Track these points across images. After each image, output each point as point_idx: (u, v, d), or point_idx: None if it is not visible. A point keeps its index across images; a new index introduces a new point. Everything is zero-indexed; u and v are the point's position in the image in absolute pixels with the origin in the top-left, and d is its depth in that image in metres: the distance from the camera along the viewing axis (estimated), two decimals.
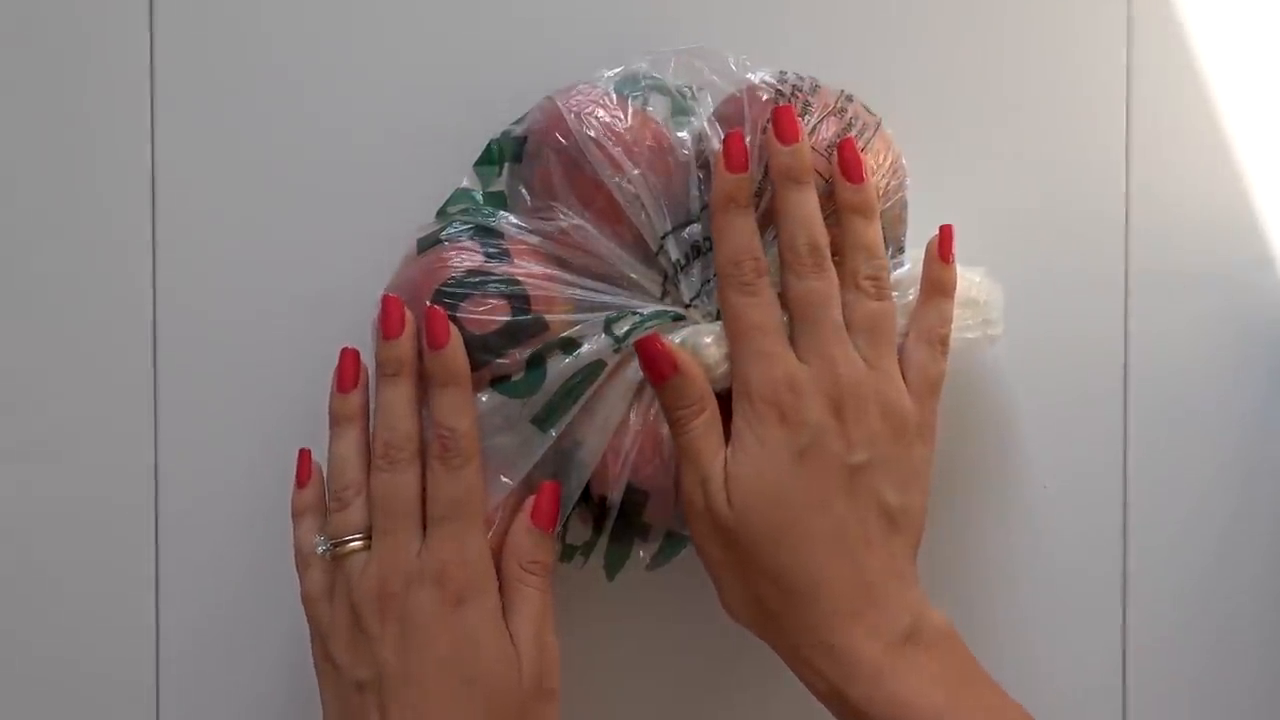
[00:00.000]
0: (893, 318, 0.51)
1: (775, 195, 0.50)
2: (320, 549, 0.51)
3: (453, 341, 0.49)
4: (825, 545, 0.49)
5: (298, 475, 0.53)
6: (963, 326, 0.54)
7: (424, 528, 0.49)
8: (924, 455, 0.51)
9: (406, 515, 0.49)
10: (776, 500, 0.49)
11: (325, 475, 0.52)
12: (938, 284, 0.53)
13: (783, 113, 0.50)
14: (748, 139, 0.51)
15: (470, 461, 0.49)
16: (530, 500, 0.51)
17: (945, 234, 0.53)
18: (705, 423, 0.50)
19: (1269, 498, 0.62)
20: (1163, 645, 0.61)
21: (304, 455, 0.53)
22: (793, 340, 0.50)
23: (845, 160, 0.51)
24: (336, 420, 0.51)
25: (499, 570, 0.50)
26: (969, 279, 0.54)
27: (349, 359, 0.52)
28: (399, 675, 0.48)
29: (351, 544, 0.50)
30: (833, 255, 0.51)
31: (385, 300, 0.50)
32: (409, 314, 0.50)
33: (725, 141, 0.50)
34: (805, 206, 0.50)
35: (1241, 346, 0.62)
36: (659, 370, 0.50)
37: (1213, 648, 0.62)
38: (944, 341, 0.52)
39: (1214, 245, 0.62)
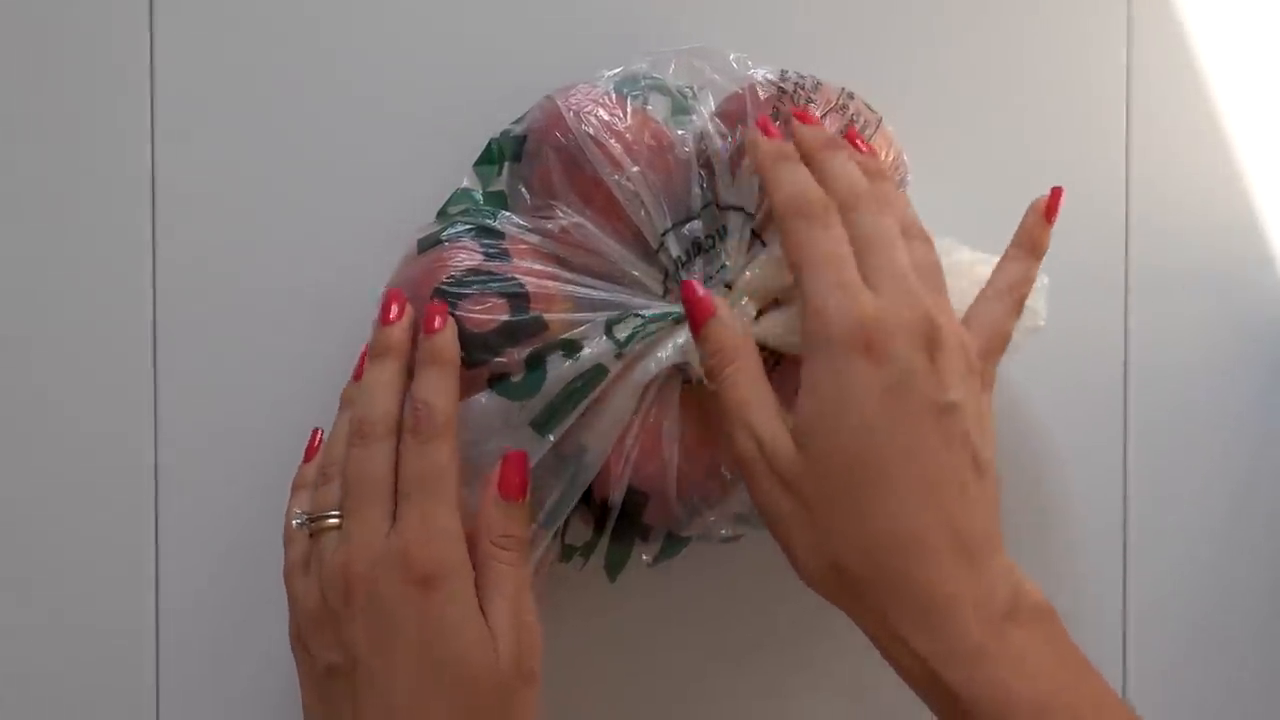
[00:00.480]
0: (940, 268, 0.48)
1: (813, 164, 0.49)
2: (297, 523, 0.50)
3: (447, 330, 0.49)
4: (921, 496, 0.43)
5: (306, 451, 0.53)
6: None
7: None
8: (990, 408, 0.47)
9: (375, 494, 0.47)
10: (862, 443, 0.44)
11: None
12: (1034, 242, 0.50)
13: (800, 116, 0.50)
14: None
15: (441, 437, 0.47)
16: (495, 471, 0.48)
17: (1055, 195, 0.51)
18: (745, 367, 0.47)
19: (1269, 497, 0.62)
20: (1163, 645, 0.61)
21: (315, 434, 0.53)
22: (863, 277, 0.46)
23: (851, 141, 0.51)
24: (341, 406, 0.52)
25: (472, 550, 0.47)
26: (992, 265, 0.53)
27: (367, 353, 0.51)
28: (368, 661, 0.46)
29: (329, 521, 0.48)
30: None
31: (388, 292, 0.50)
32: (409, 308, 0.50)
33: (756, 124, 0.50)
34: (848, 164, 0.48)
35: (1241, 345, 0.62)
36: (696, 317, 0.48)
37: (1213, 647, 0.62)
38: (1021, 302, 0.49)
39: (1214, 244, 0.62)
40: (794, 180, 0.48)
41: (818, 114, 0.52)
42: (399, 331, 0.50)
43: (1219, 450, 0.62)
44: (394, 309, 0.50)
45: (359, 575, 0.46)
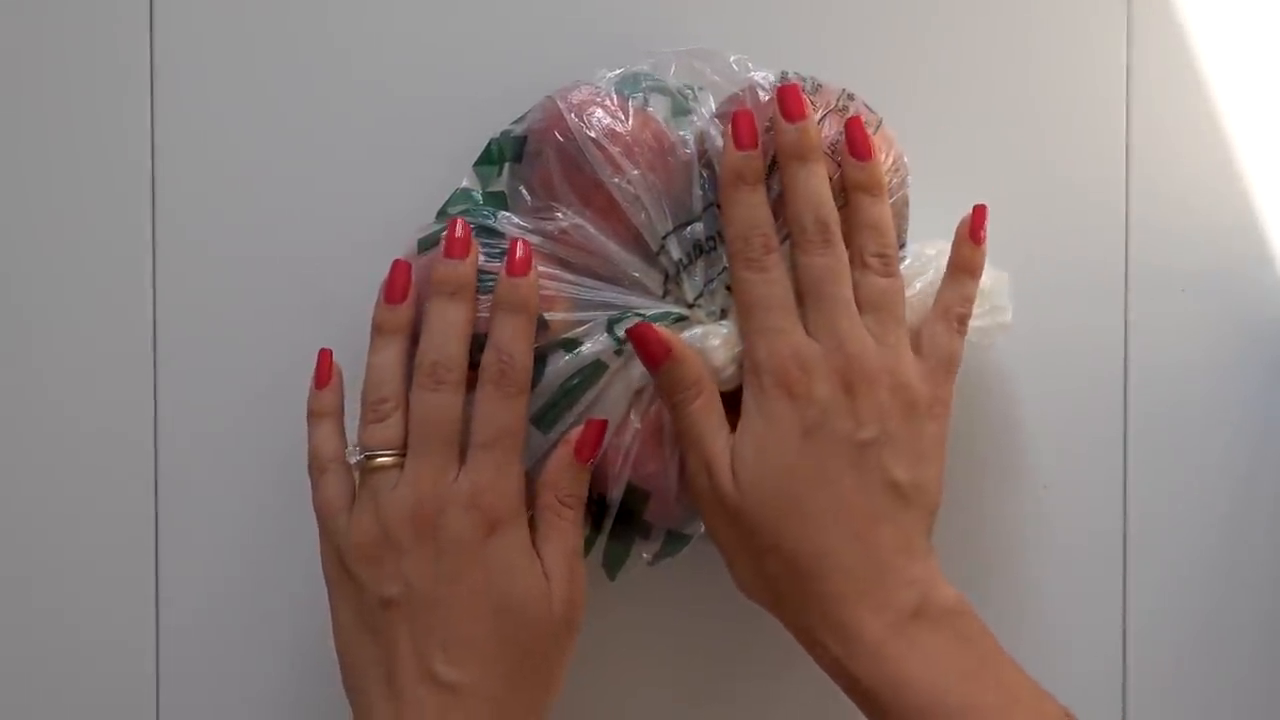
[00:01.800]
0: (901, 295, 0.51)
1: (782, 173, 0.50)
2: (354, 459, 0.50)
3: (532, 274, 0.49)
4: (832, 522, 0.48)
5: (317, 375, 0.52)
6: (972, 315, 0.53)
7: (462, 453, 0.49)
8: (935, 432, 0.51)
9: (446, 440, 0.49)
10: (783, 478, 0.48)
11: (362, 384, 0.51)
12: (965, 263, 0.53)
13: (788, 91, 0.50)
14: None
15: (523, 393, 0.49)
16: (576, 432, 0.50)
17: (978, 214, 0.53)
18: (704, 405, 0.50)
19: (1269, 497, 0.62)
20: (1163, 644, 0.61)
21: (325, 355, 0.53)
22: (803, 318, 0.50)
23: (853, 138, 0.51)
24: (380, 330, 0.51)
25: (533, 500, 0.50)
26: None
27: (400, 270, 0.51)
28: (429, 596, 0.48)
29: (382, 458, 0.49)
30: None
31: (453, 223, 0.50)
32: (475, 243, 0.50)
33: (733, 119, 0.50)
34: (812, 182, 0.50)
35: (1241, 344, 0.62)
36: (653, 355, 0.49)
37: (1213, 647, 0.62)
38: (963, 321, 0.52)
39: (1214, 243, 0.62)
40: (744, 212, 0.50)
41: (818, 115, 0.52)
42: (469, 269, 0.50)
43: (1219, 450, 0.62)
44: (463, 243, 0.50)
45: (428, 514, 0.48)
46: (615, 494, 0.52)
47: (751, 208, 0.50)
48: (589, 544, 0.54)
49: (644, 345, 0.49)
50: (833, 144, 0.51)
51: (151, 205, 0.57)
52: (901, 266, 0.53)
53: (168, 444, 0.58)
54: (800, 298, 0.50)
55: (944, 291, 0.52)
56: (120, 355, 0.57)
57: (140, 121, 0.57)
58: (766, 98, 0.52)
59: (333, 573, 0.50)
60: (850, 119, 0.51)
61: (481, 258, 0.51)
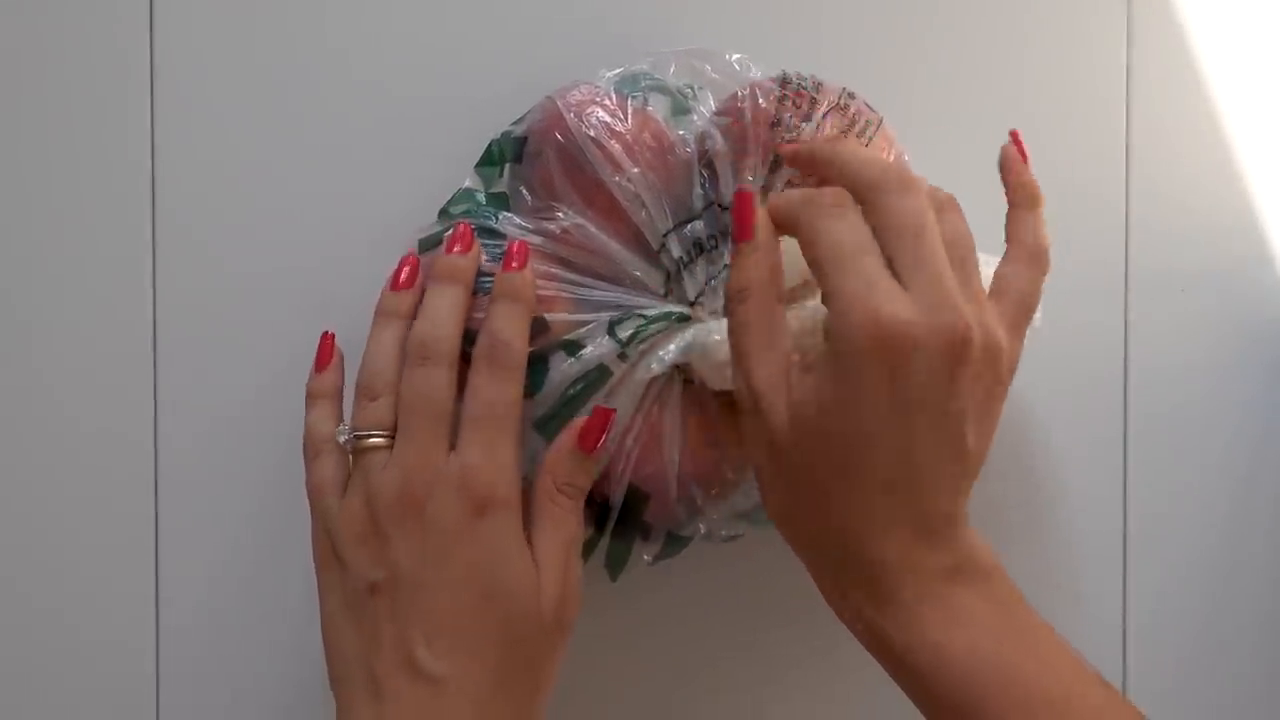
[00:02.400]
0: (970, 235, 0.46)
1: (824, 167, 0.48)
2: (342, 437, 0.49)
3: (527, 271, 0.48)
4: (888, 488, 0.44)
5: (318, 358, 0.52)
6: None
7: (450, 437, 0.47)
8: (1003, 395, 0.46)
9: (435, 418, 0.47)
10: (851, 446, 0.44)
11: (359, 365, 0.50)
12: (1028, 192, 0.49)
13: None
14: (750, 133, 0.51)
15: (516, 375, 0.47)
16: (580, 421, 0.48)
17: (1014, 138, 0.49)
18: (755, 307, 0.45)
19: (1269, 497, 0.62)
20: (1163, 645, 0.61)
21: (326, 337, 0.52)
22: (891, 267, 0.44)
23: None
24: (380, 313, 0.50)
25: (532, 486, 0.48)
26: (991, 265, 0.54)
27: (410, 260, 0.50)
28: (413, 581, 0.46)
29: (373, 439, 0.48)
30: None
31: (458, 226, 0.50)
32: (479, 244, 0.50)
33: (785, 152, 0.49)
34: (856, 149, 0.48)
35: (1241, 345, 0.62)
36: (736, 230, 0.46)
37: (1213, 647, 0.62)
38: (1044, 258, 0.48)
39: (1214, 244, 0.62)
40: (803, 196, 0.46)
41: (819, 114, 0.51)
42: (467, 261, 0.49)
43: (1219, 450, 0.62)
44: (466, 238, 0.49)
45: (415, 495, 0.46)
46: (617, 496, 0.52)
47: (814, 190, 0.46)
48: (591, 546, 0.54)
49: (736, 216, 0.46)
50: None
51: (151, 205, 0.57)
52: None
53: (168, 444, 0.58)
54: (886, 244, 0.44)
55: (1017, 228, 0.48)
56: (120, 355, 0.57)
57: (140, 121, 0.57)
58: (764, 103, 0.52)
59: (321, 557, 0.49)
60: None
61: (484, 257, 0.51)
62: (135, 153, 0.57)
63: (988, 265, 0.53)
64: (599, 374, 0.50)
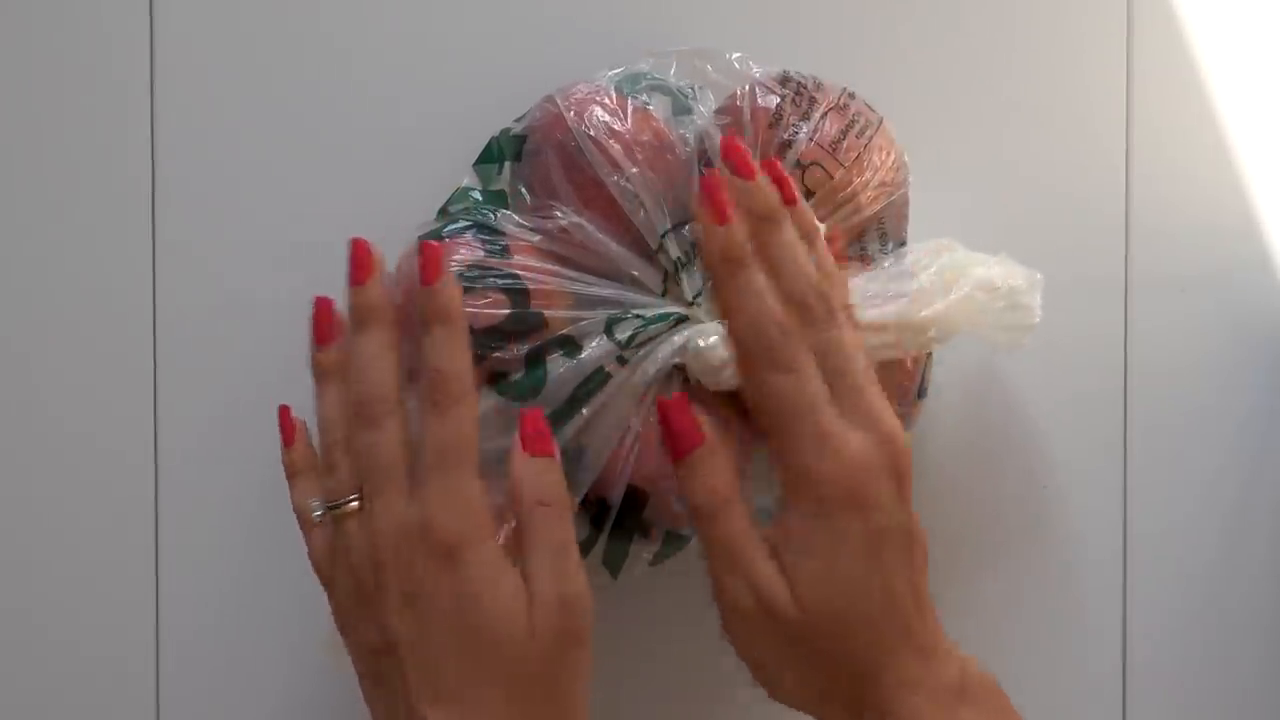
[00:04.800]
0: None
1: (754, 242, 0.47)
2: (317, 514, 0.48)
3: (447, 279, 0.46)
4: (890, 620, 0.46)
5: (282, 435, 0.50)
6: (992, 313, 0.53)
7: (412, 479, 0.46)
8: None
9: (390, 472, 0.46)
10: (854, 594, 0.45)
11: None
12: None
13: (728, 146, 0.47)
14: (755, 142, 0.51)
15: (460, 403, 0.45)
16: (515, 435, 0.46)
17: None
18: (739, 512, 0.46)
19: (1269, 498, 0.62)
20: (1163, 645, 0.61)
21: (284, 413, 0.50)
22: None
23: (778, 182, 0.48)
24: (316, 377, 0.48)
25: (514, 512, 0.46)
26: (989, 264, 0.53)
27: (322, 309, 0.48)
28: (408, 639, 0.45)
29: (349, 506, 0.47)
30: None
31: (352, 244, 0.47)
32: (378, 256, 0.47)
33: (701, 185, 0.46)
34: (794, 252, 0.46)
35: (1241, 347, 0.62)
36: (682, 442, 0.47)
37: (1213, 648, 0.62)
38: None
39: (1214, 246, 0.62)
40: (751, 306, 0.46)
41: (819, 114, 0.51)
42: (376, 290, 0.47)
43: (1219, 450, 0.62)
44: (365, 264, 0.47)
45: (386, 556, 0.45)
46: (615, 496, 0.52)
47: (756, 295, 0.46)
48: (589, 545, 0.54)
49: (674, 428, 0.47)
50: (833, 143, 0.51)
51: (151, 205, 0.57)
52: (903, 264, 0.53)
53: (168, 444, 0.58)
54: (826, 379, 0.46)
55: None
56: (120, 357, 0.57)
57: (140, 122, 0.57)
58: (762, 104, 0.51)
59: (340, 625, 0.48)
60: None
61: (480, 252, 0.51)
62: (135, 153, 0.57)
63: (984, 265, 0.53)
64: (597, 377, 0.50)
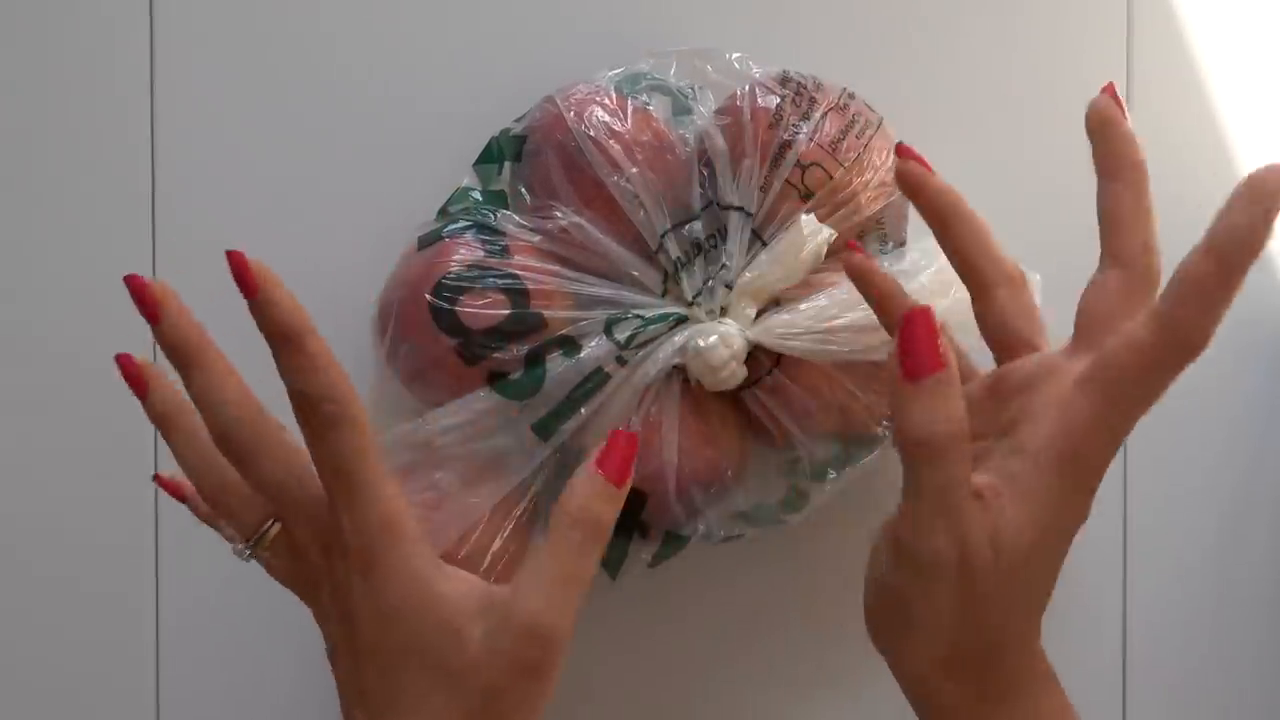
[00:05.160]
0: None
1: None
2: (245, 557, 0.44)
3: (275, 291, 0.41)
4: (1045, 596, 0.43)
5: (171, 491, 0.48)
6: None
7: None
8: None
9: (294, 496, 0.42)
10: (1047, 563, 0.42)
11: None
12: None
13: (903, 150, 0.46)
14: (749, 132, 0.51)
15: (338, 425, 0.41)
16: (599, 449, 0.41)
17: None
18: (967, 452, 0.40)
19: (1269, 497, 0.62)
20: (1163, 645, 0.61)
21: (159, 479, 0.48)
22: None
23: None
24: (161, 425, 0.44)
25: (551, 517, 0.41)
26: None
27: (125, 364, 0.44)
28: (343, 654, 0.43)
29: (269, 532, 0.44)
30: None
31: (131, 284, 0.42)
32: (162, 287, 0.42)
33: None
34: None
35: (1241, 347, 0.62)
36: (921, 363, 0.38)
37: (1213, 647, 0.62)
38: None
39: None
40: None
41: (819, 113, 0.52)
42: (183, 322, 0.42)
43: (1219, 450, 0.62)
44: (150, 301, 0.42)
45: (307, 580, 0.44)
46: None
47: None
48: None
49: (915, 345, 0.39)
50: (833, 143, 0.52)
51: (151, 205, 0.57)
52: (905, 263, 0.54)
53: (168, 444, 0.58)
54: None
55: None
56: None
57: (140, 121, 0.57)
58: (762, 102, 0.52)
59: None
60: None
61: (480, 252, 0.51)
62: (135, 153, 0.57)
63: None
64: (596, 377, 0.50)
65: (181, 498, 0.48)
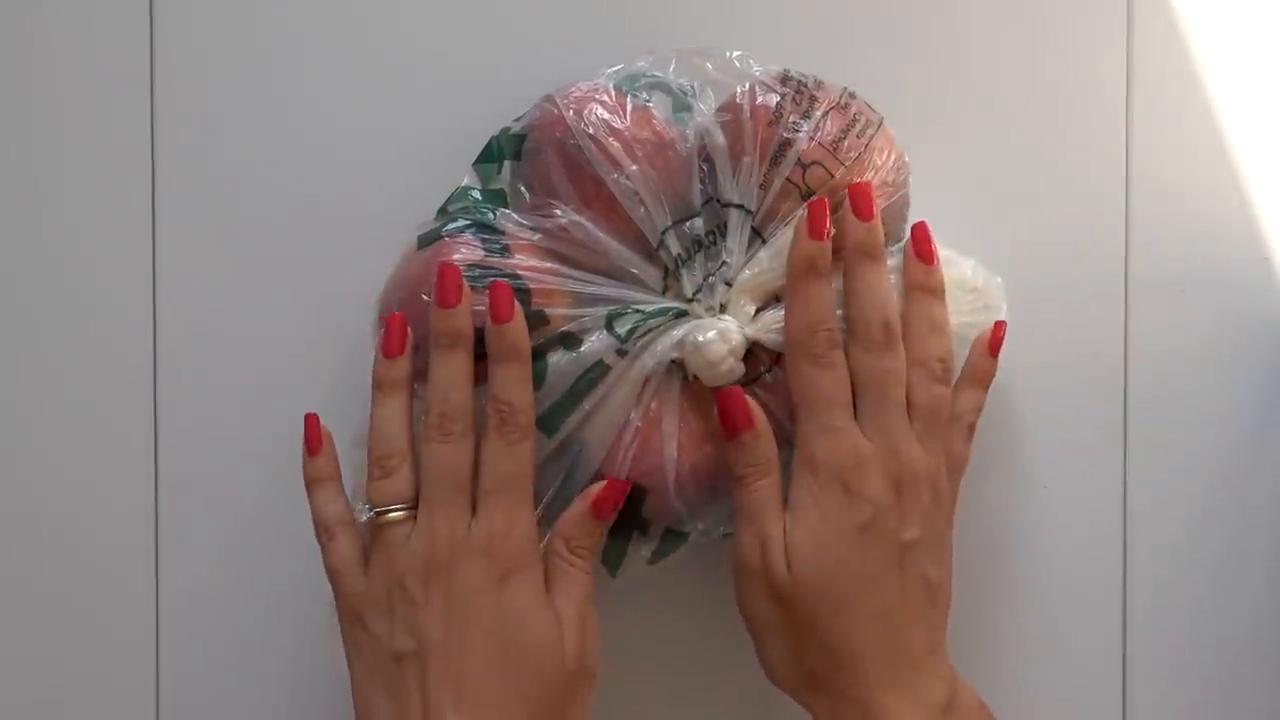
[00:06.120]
0: (949, 401, 0.52)
1: (847, 269, 0.51)
2: (364, 516, 0.50)
3: (518, 318, 0.49)
4: (875, 618, 0.50)
5: (308, 443, 0.52)
6: (965, 311, 0.54)
7: (473, 502, 0.49)
8: (950, 533, 0.53)
9: (458, 488, 0.49)
10: (835, 571, 0.50)
11: (367, 440, 0.50)
12: (982, 375, 0.54)
13: (859, 191, 0.51)
14: (749, 130, 0.51)
15: (527, 438, 0.49)
16: (595, 489, 0.51)
17: (997, 329, 0.54)
18: (771, 484, 0.51)
19: (1269, 498, 0.62)
20: (1163, 645, 0.61)
21: (311, 421, 0.52)
22: (857, 412, 0.51)
23: (918, 243, 0.52)
24: (381, 385, 0.50)
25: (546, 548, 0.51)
26: (963, 265, 0.54)
27: (396, 324, 0.50)
28: (442, 646, 0.48)
29: (394, 513, 0.49)
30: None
31: (442, 269, 0.49)
32: (466, 286, 0.49)
33: (809, 208, 0.50)
34: (880, 283, 0.51)
35: (1241, 347, 0.62)
36: (735, 424, 0.51)
37: (1213, 648, 0.62)
38: (973, 428, 0.54)
39: (1213, 246, 0.62)
40: (812, 304, 0.51)
41: (819, 113, 0.52)
42: (464, 317, 0.49)
43: (1219, 451, 0.62)
44: (454, 290, 0.49)
45: (442, 564, 0.48)
46: None
47: (819, 300, 0.50)
48: None
49: (729, 413, 0.51)
50: (834, 142, 0.52)
51: (151, 204, 0.58)
52: (895, 261, 0.54)
53: (168, 444, 0.58)
54: (856, 393, 0.51)
55: (959, 399, 0.54)
56: (120, 356, 0.57)
57: (140, 121, 0.57)
58: (762, 99, 0.52)
59: (349, 632, 0.50)
60: (917, 225, 0.53)
61: (480, 251, 0.51)
62: (135, 153, 0.57)
63: (988, 278, 0.54)
64: (596, 369, 0.50)
65: (316, 448, 0.52)
